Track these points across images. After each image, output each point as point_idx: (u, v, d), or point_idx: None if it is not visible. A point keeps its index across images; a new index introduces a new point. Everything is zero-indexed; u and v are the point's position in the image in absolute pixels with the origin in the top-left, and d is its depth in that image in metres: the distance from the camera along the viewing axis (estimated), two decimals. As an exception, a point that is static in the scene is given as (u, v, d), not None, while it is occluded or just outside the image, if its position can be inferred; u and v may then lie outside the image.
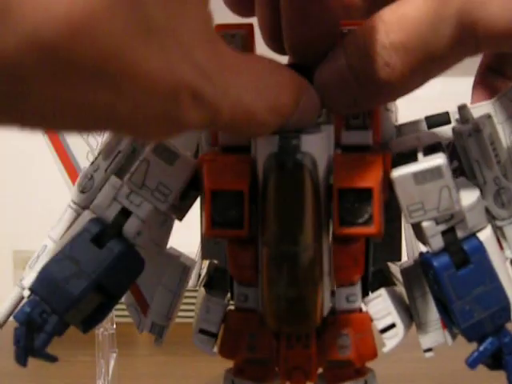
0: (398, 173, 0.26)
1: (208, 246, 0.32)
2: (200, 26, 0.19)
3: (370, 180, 0.25)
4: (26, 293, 0.29)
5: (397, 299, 0.30)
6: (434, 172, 0.26)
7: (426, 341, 0.30)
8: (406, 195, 0.26)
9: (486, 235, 0.28)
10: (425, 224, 0.27)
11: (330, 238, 0.27)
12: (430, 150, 0.27)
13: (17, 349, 0.29)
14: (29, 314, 0.28)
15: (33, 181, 1.02)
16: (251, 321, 0.28)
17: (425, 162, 0.26)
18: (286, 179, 0.24)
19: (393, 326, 0.28)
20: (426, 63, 0.23)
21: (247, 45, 0.27)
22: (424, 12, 0.23)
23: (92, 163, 0.32)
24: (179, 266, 0.32)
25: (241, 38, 0.27)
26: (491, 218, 0.29)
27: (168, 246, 0.33)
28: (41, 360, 0.29)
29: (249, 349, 0.28)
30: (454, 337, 0.29)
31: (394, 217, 0.29)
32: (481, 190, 0.28)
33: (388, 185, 0.26)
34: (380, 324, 0.28)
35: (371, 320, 0.28)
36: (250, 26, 0.27)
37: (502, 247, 0.29)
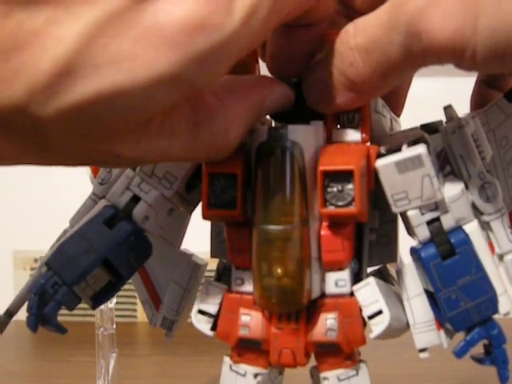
0: (381, 162, 0.28)
1: (216, 245, 0.34)
2: None
3: (352, 163, 0.27)
4: (44, 269, 0.32)
5: (392, 295, 0.31)
6: (415, 161, 0.28)
7: (421, 341, 0.30)
8: (390, 184, 0.28)
9: (471, 228, 0.29)
10: (410, 213, 0.29)
11: (319, 223, 0.29)
12: (414, 143, 0.29)
13: (29, 316, 0.31)
14: (42, 284, 0.31)
15: (33, 181, 1.02)
16: (246, 302, 0.30)
17: (405, 152, 0.28)
18: (274, 164, 0.28)
19: (380, 312, 0.29)
20: (384, 66, 0.25)
21: (249, 55, 0.31)
22: (382, 19, 0.25)
23: None
24: (190, 263, 0.35)
25: None
26: (480, 213, 0.30)
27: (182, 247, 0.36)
28: (50, 330, 0.32)
29: (242, 329, 0.31)
30: (450, 338, 0.30)
31: (391, 218, 0.31)
32: (467, 186, 0.30)
33: (375, 176, 0.28)
34: (367, 310, 0.30)
35: (360, 306, 0.30)
36: None
37: (492, 246, 0.30)
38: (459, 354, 0.29)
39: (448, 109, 0.30)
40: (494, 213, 0.30)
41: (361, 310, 0.30)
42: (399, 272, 0.31)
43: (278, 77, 0.30)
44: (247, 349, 0.32)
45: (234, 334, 0.31)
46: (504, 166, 0.32)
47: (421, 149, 0.28)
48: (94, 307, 0.32)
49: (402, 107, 0.35)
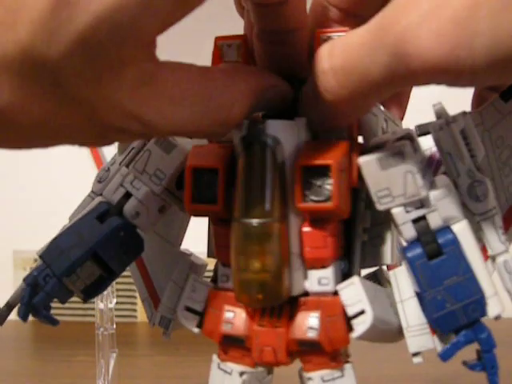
0: (363, 158, 0.28)
1: (213, 245, 0.34)
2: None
3: (330, 158, 0.27)
4: (39, 261, 0.34)
5: (381, 297, 0.31)
6: (397, 157, 0.27)
7: (413, 345, 0.30)
8: (373, 181, 0.28)
9: (460, 228, 0.29)
10: (394, 210, 0.29)
11: (302, 219, 0.29)
12: (399, 139, 0.29)
13: (20, 306, 0.33)
14: (35, 276, 0.33)
15: (33, 181, 1.03)
16: (230, 299, 0.30)
17: (387, 148, 0.28)
18: (252, 158, 0.28)
19: (363, 312, 0.29)
20: (364, 87, 0.25)
21: (242, 53, 0.31)
22: (365, 39, 0.24)
23: (112, 159, 0.37)
24: (188, 262, 0.35)
25: (236, 48, 0.31)
26: (472, 214, 0.30)
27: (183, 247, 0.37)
28: (42, 321, 0.33)
29: (225, 325, 0.31)
30: (444, 343, 0.30)
31: (384, 219, 0.30)
32: (456, 184, 0.29)
33: (358, 173, 0.28)
34: (350, 310, 0.29)
35: (343, 306, 0.29)
36: (245, 36, 0.31)
37: (485, 248, 0.30)
38: (444, 357, 0.29)
39: (437, 106, 0.30)
40: (485, 213, 0.29)
41: (345, 310, 0.29)
42: (392, 274, 0.31)
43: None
44: (232, 346, 0.32)
45: (218, 331, 0.31)
46: (500, 166, 0.32)
47: (403, 145, 0.28)
48: (85, 300, 0.33)
49: (405, 109, 0.35)
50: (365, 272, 0.32)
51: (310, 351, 0.30)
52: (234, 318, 0.31)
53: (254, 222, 0.28)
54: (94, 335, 0.64)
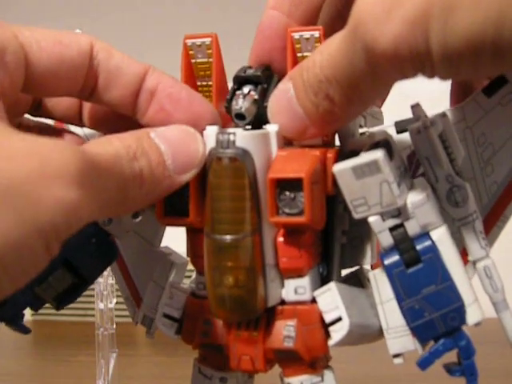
0: (338, 167, 0.28)
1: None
2: None
3: (302, 170, 0.27)
4: None
5: (360, 300, 0.31)
6: (372, 166, 0.27)
7: (394, 346, 0.30)
8: (348, 189, 0.28)
9: (438, 234, 0.29)
10: (370, 219, 0.28)
11: (276, 230, 0.29)
12: (376, 146, 0.28)
13: None
14: None
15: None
16: (206, 308, 0.31)
17: (363, 157, 0.27)
18: (222, 171, 0.27)
19: (340, 319, 0.29)
20: (357, 93, 0.25)
21: (212, 53, 0.31)
22: (342, 49, 0.25)
23: None
24: (168, 262, 0.36)
25: (206, 47, 0.31)
26: (454, 219, 0.29)
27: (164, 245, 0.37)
28: (13, 329, 0.34)
29: (203, 334, 0.31)
30: (422, 346, 0.30)
31: (363, 220, 0.30)
32: (435, 189, 0.29)
33: (333, 180, 0.28)
34: (327, 317, 0.29)
35: (320, 314, 0.30)
36: (215, 35, 0.31)
37: (466, 254, 0.30)
38: (422, 365, 0.29)
39: (415, 107, 0.30)
40: (464, 218, 0.29)
41: (322, 317, 0.30)
42: (372, 275, 0.30)
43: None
44: (210, 353, 0.32)
45: (196, 339, 0.32)
46: (481, 165, 0.31)
47: (378, 154, 0.27)
48: (57, 308, 0.34)
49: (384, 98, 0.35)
50: (345, 271, 0.32)
51: (288, 359, 0.31)
52: (211, 327, 0.31)
53: (226, 237, 0.28)
54: (94, 335, 0.64)
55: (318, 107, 0.26)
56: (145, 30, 0.99)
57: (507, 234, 0.32)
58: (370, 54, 0.23)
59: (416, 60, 0.23)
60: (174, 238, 0.36)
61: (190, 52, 0.31)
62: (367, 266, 0.33)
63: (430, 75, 0.24)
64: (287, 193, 0.27)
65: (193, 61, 0.31)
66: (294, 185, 0.27)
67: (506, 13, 0.20)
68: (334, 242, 0.31)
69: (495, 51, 0.21)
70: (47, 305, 0.35)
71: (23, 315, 0.34)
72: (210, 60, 0.31)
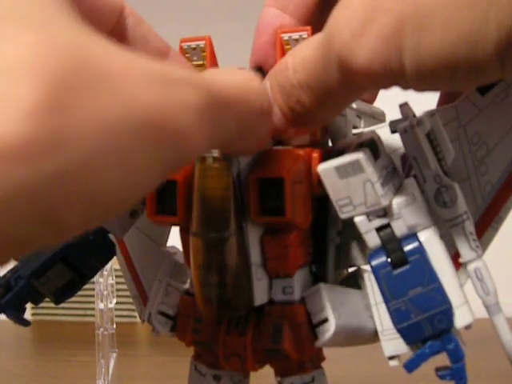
0: (322, 166, 0.28)
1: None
2: None
3: (282, 170, 0.27)
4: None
5: (351, 302, 0.31)
6: (355, 166, 0.27)
7: (389, 348, 0.30)
8: (333, 189, 0.28)
9: (426, 236, 0.28)
10: (356, 219, 0.28)
11: (263, 230, 0.29)
12: (361, 145, 0.28)
13: None
14: (8, 278, 0.34)
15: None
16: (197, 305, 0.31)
17: (346, 156, 0.27)
18: (206, 170, 0.28)
19: (326, 320, 0.29)
20: (328, 99, 0.26)
21: (207, 56, 0.31)
22: (317, 55, 0.25)
23: None
24: (172, 262, 0.36)
25: (200, 49, 0.31)
26: (443, 220, 0.29)
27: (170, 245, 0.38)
28: (13, 321, 0.35)
29: (194, 331, 0.32)
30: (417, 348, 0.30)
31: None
32: (423, 190, 0.29)
33: (318, 179, 0.28)
34: (314, 318, 0.30)
35: (308, 314, 0.30)
36: (208, 38, 0.32)
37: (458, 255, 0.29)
38: (409, 368, 0.28)
39: (403, 107, 0.29)
40: (454, 219, 0.29)
41: (310, 318, 0.30)
42: (367, 276, 0.30)
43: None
44: (204, 350, 0.33)
45: (187, 337, 0.32)
46: (475, 164, 0.31)
47: (360, 154, 0.27)
48: (56, 303, 0.35)
49: (375, 94, 0.35)
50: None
51: (277, 359, 0.31)
52: (202, 324, 0.32)
53: (210, 235, 0.28)
54: (94, 335, 0.65)
55: (293, 110, 0.27)
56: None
57: (503, 234, 0.32)
58: (343, 65, 0.24)
59: (390, 75, 0.23)
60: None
61: (187, 55, 0.32)
62: (366, 267, 0.32)
63: (405, 88, 0.24)
64: (269, 191, 0.27)
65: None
66: (276, 184, 0.27)
67: (477, 32, 0.21)
68: (327, 242, 0.31)
69: (469, 69, 0.21)
70: (47, 304, 0.36)
71: (25, 309, 0.35)
72: (204, 62, 0.31)
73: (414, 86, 0.23)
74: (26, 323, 0.35)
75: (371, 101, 0.35)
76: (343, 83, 0.24)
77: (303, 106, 0.26)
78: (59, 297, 0.34)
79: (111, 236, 0.36)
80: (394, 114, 0.31)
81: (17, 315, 0.35)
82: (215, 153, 0.27)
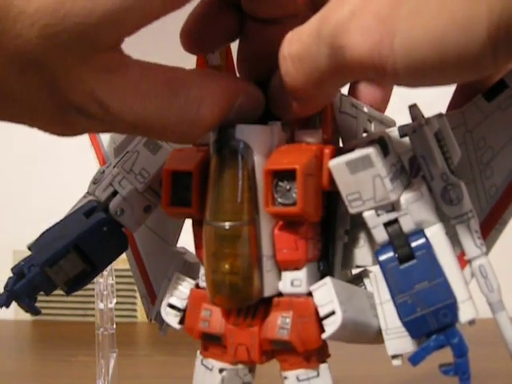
0: (333, 162, 0.29)
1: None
2: None
3: (296, 162, 0.28)
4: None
5: (358, 298, 0.31)
6: (365, 161, 0.28)
7: (392, 347, 0.31)
8: (343, 184, 0.29)
9: (433, 232, 0.29)
10: (365, 214, 0.29)
11: (274, 222, 0.30)
12: (371, 142, 0.29)
13: (3, 292, 0.35)
14: (21, 266, 0.35)
15: (33, 181, 1.03)
16: (207, 298, 0.32)
17: (356, 152, 0.28)
18: (222, 162, 0.29)
19: (333, 313, 0.30)
20: (315, 75, 0.26)
21: (225, 58, 0.32)
22: (312, 29, 0.26)
23: (108, 161, 0.39)
24: (182, 261, 0.37)
25: (219, 53, 0.33)
26: (449, 218, 0.30)
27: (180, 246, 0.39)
28: (24, 309, 0.35)
29: (203, 323, 0.32)
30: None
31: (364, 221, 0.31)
32: (430, 188, 0.30)
33: (329, 175, 0.29)
34: (322, 311, 0.30)
35: (315, 307, 0.30)
36: None
37: (463, 253, 0.30)
38: (414, 361, 0.29)
39: (412, 108, 0.31)
40: (459, 216, 0.30)
41: (317, 311, 0.30)
42: (373, 276, 0.31)
43: (250, 79, 0.31)
44: (212, 343, 0.33)
45: (197, 328, 0.33)
46: (481, 168, 0.32)
47: (370, 149, 0.28)
48: (67, 293, 0.35)
49: (386, 102, 0.35)
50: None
51: (284, 351, 0.32)
52: (211, 316, 0.32)
53: (224, 224, 0.29)
54: (94, 335, 0.65)
55: (283, 83, 0.27)
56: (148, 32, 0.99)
57: (506, 234, 0.33)
58: (334, 40, 0.24)
59: (377, 60, 0.23)
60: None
61: (204, 57, 0.33)
62: (372, 268, 0.33)
63: (391, 80, 0.24)
64: (282, 184, 0.29)
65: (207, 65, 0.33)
66: (289, 176, 0.28)
67: (468, 17, 0.21)
68: (335, 240, 0.32)
69: (460, 56, 0.22)
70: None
71: (36, 298, 0.35)
72: (223, 64, 0.33)
73: (402, 76, 0.23)
74: (36, 311, 0.36)
75: (382, 110, 0.35)
76: (331, 61, 0.25)
77: (290, 78, 0.27)
78: (70, 287, 0.35)
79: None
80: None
81: (29, 303, 0.35)
82: (230, 145, 0.29)
